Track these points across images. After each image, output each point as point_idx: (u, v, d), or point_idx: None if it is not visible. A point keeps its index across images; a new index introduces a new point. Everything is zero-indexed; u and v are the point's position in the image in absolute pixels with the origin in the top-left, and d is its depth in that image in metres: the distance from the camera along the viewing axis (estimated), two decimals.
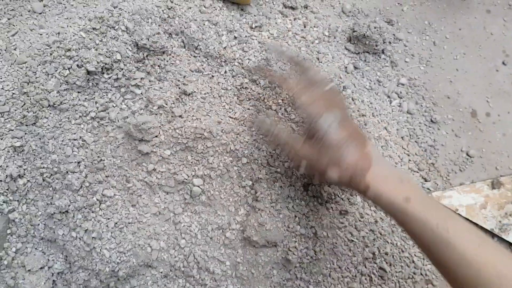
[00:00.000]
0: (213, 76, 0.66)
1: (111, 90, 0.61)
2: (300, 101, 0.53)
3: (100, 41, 0.60)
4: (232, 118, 0.64)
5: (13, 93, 0.63)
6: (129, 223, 0.61)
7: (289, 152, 0.57)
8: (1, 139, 0.62)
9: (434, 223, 0.44)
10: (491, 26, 0.85)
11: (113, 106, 0.61)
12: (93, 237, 0.60)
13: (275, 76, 0.63)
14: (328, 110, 0.52)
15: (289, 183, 0.63)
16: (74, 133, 0.61)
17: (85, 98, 0.61)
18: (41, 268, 0.62)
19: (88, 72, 0.60)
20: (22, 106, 0.62)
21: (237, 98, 0.66)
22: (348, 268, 0.64)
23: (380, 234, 0.66)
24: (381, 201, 0.49)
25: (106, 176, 0.61)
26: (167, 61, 0.63)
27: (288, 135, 0.57)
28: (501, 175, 0.74)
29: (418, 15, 0.85)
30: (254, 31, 0.73)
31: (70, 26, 0.65)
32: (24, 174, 0.62)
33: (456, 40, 0.84)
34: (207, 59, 0.67)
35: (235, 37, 0.70)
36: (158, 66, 0.62)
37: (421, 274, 0.67)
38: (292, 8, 0.80)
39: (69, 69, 0.60)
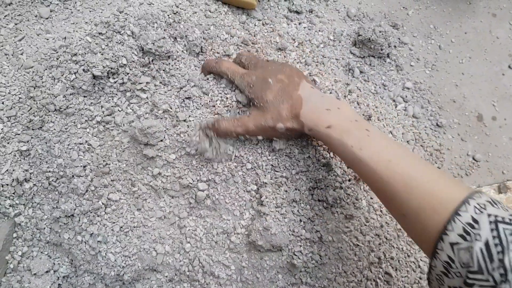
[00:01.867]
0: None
1: (116, 94, 0.62)
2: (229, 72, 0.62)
3: (106, 45, 0.60)
4: None
5: (20, 98, 0.63)
6: (134, 227, 0.61)
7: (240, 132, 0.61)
8: (8, 143, 0.62)
9: (349, 144, 0.51)
10: (497, 30, 0.85)
11: (118, 110, 0.61)
12: (98, 241, 0.60)
13: (210, 63, 0.65)
14: (248, 72, 0.60)
15: (294, 187, 0.63)
16: (80, 137, 0.61)
17: (91, 103, 0.62)
18: (46, 271, 0.62)
19: (94, 77, 0.60)
20: (29, 111, 0.62)
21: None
22: (353, 272, 0.64)
23: (386, 238, 0.66)
24: (312, 132, 0.55)
25: (111, 180, 0.62)
26: (172, 66, 0.63)
27: (233, 118, 0.61)
28: (508, 180, 0.74)
29: (423, 19, 0.85)
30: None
31: (76, 31, 0.66)
32: (30, 178, 0.62)
33: (461, 44, 0.83)
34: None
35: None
36: (163, 70, 0.63)
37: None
38: (297, 12, 0.80)
39: (75, 73, 0.60)
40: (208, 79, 0.64)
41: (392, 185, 0.46)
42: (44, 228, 0.63)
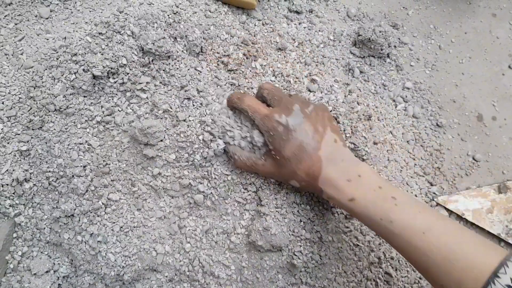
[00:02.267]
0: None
1: (116, 94, 0.62)
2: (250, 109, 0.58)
3: (106, 45, 0.60)
4: None
5: (20, 98, 0.63)
6: (134, 227, 0.61)
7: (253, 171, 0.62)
8: (8, 143, 0.62)
9: (378, 218, 0.49)
10: (497, 30, 0.85)
11: (118, 110, 0.61)
12: (98, 241, 0.60)
13: (232, 99, 0.61)
14: (270, 114, 0.56)
15: (295, 189, 0.63)
16: (80, 137, 0.61)
17: (91, 103, 0.62)
18: (46, 271, 0.62)
19: (94, 77, 0.60)
20: (29, 111, 0.62)
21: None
22: (353, 273, 0.64)
23: None
24: (334, 202, 0.54)
25: (111, 180, 0.62)
26: (172, 66, 0.63)
27: (249, 158, 0.59)
28: (508, 179, 0.74)
29: (423, 19, 0.85)
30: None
31: (76, 31, 0.66)
32: (30, 178, 0.62)
33: (461, 44, 0.83)
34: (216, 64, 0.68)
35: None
36: (163, 70, 0.63)
37: None
38: (297, 12, 0.80)
39: (75, 73, 0.60)
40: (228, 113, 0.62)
41: (430, 257, 0.44)
42: (44, 228, 0.63)
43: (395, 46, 0.80)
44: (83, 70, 0.60)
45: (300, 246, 0.62)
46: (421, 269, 0.47)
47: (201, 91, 0.63)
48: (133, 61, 0.61)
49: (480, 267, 0.41)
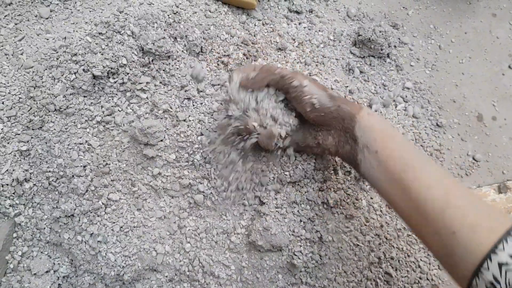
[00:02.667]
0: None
1: (116, 94, 0.62)
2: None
3: (106, 45, 0.60)
4: None
5: (20, 98, 0.63)
6: (134, 227, 0.61)
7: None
8: (8, 143, 0.62)
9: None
10: (497, 30, 0.85)
11: (118, 110, 0.61)
12: (98, 241, 0.60)
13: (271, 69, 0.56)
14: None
15: (295, 189, 0.63)
16: (80, 137, 0.61)
17: (91, 103, 0.62)
18: (46, 271, 0.62)
19: (94, 77, 0.60)
20: (29, 111, 0.62)
21: None
22: (353, 272, 0.64)
23: (386, 238, 0.66)
24: (374, 115, 0.53)
25: (111, 180, 0.62)
26: (172, 66, 0.63)
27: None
28: (508, 179, 0.74)
29: (423, 19, 0.85)
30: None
31: (77, 31, 0.66)
32: (30, 178, 0.62)
33: (461, 44, 0.83)
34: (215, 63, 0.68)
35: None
36: (164, 70, 0.63)
37: (427, 279, 0.66)
38: (297, 12, 0.80)
39: (75, 73, 0.60)
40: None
41: (452, 201, 0.44)
42: (44, 228, 0.63)
43: (395, 46, 0.80)
44: (83, 70, 0.60)
45: (300, 246, 0.62)
46: (428, 217, 0.45)
47: (201, 91, 0.63)
48: (133, 61, 0.61)
49: (497, 216, 0.42)
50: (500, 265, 0.37)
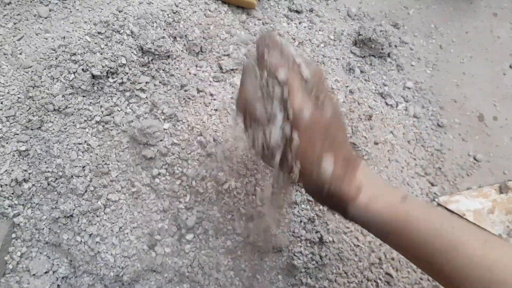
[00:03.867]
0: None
1: (116, 94, 0.61)
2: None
3: (105, 45, 0.60)
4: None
5: (19, 97, 0.63)
6: (133, 227, 0.61)
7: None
8: (7, 143, 0.62)
9: (439, 222, 0.39)
10: (498, 29, 0.85)
11: (118, 110, 0.61)
12: (97, 242, 0.60)
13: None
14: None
15: (295, 189, 0.63)
16: (79, 137, 0.61)
17: (90, 102, 0.61)
18: (45, 272, 0.62)
19: (93, 76, 0.60)
20: (28, 110, 0.62)
21: None
22: (354, 273, 0.64)
23: None
24: (377, 204, 0.41)
25: (110, 181, 0.61)
26: (171, 65, 0.63)
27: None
28: (509, 180, 0.74)
29: (424, 19, 0.84)
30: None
31: (76, 31, 0.65)
32: (29, 178, 0.62)
33: (462, 43, 0.83)
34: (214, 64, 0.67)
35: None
36: (163, 70, 0.62)
37: (428, 279, 0.66)
38: (297, 11, 0.79)
39: (74, 73, 0.60)
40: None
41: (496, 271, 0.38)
42: (43, 228, 0.62)
43: (395, 46, 0.80)
44: (82, 69, 0.59)
45: (301, 246, 0.61)
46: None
47: (201, 91, 0.63)
48: (133, 61, 0.61)
49: None
50: None
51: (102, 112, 0.61)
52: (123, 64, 0.60)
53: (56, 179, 0.61)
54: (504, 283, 0.37)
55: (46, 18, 0.69)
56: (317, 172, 0.40)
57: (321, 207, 0.63)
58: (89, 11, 0.70)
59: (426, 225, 0.40)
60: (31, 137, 0.62)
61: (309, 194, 0.44)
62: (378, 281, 0.64)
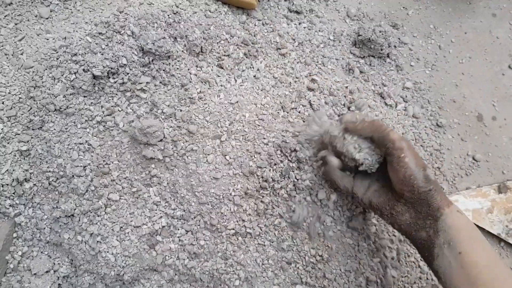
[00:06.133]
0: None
1: (116, 94, 0.62)
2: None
3: (106, 45, 0.60)
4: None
5: (20, 98, 0.63)
6: (134, 227, 0.61)
7: None
8: (8, 143, 0.62)
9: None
10: (497, 30, 0.85)
11: (118, 110, 0.61)
12: (98, 241, 0.60)
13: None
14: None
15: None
16: (80, 137, 0.61)
17: (91, 103, 0.62)
18: (46, 271, 0.62)
19: (94, 77, 0.60)
20: (29, 111, 0.62)
21: None
22: (354, 272, 0.64)
23: (387, 238, 0.66)
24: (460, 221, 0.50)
25: (111, 180, 0.62)
26: (172, 66, 0.63)
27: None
28: (508, 179, 0.74)
29: (423, 19, 0.85)
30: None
31: (77, 31, 0.65)
32: (30, 178, 0.62)
33: (461, 44, 0.83)
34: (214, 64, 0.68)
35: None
36: (163, 70, 0.63)
37: (427, 278, 0.66)
38: (297, 12, 0.80)
39: (75, 73, 0.60)
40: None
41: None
42: (44, 228, 0.63)
43: (395, 46, 0.80)
44: (83, 70, 0.60)
45: (301, 246, 0.62)
46: None
47: (201, 92, 0.63)
48: (133, 61, 0.61)
49: None
50: None
51: (103, 112, 0.61)
52: (124, 64, 0.60)
53: (57, 178, 0.61)
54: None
55: (47, 18, 0.69)
56: (423, 177, 0.51)
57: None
58: (90, 11, 0.70)
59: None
60: (32, 137, 0.62)
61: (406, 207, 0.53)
62: (378, 280, 0.64)
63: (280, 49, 0.74)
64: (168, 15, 0.65)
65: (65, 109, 0.61)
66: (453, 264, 0.48)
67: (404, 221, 0.53)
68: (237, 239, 0.63)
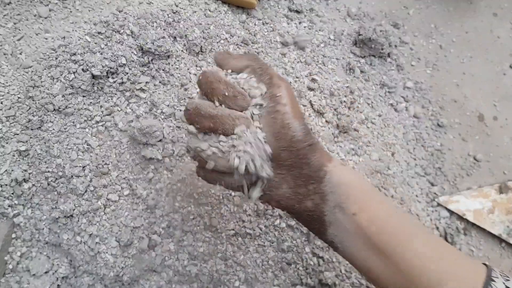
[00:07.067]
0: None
1: (116, 94, 0.61)
2: None
3: (105, 45, 0.60)
4: None
5: (19, 97, 0.63)
6: (134, 227, 0.61)
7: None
8: (7, 143, 0.62)
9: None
10: (498, 29, 0.85)
11: (118, 110, 0.61)
12: (97, 242, 0.60)
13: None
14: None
15: None
16: (79, 137, 0.61)
17: (90, 102, 0.61)
18: (45, 272, 0.62)
19: (93, 76, 0.60)
20: (28, 110, 0.62)
21: None
22: (354, 273, 0.64)
23: None
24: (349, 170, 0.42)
25: (110, 180, 0.61)
26: (171, 65, 0.63)
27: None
28: (509, 180, 0.74)
29: (424, 19, 0.84)
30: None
31: (76, 30, 0.65)
32: (29, 178, 0.62)
33: (462, 43, 0.83)
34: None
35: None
36: (163, 70, 0.62)
37: None
38: (297, 11, 0.79)
39: (74, 73, 0.60)
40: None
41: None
42: (43, 228, 0.62)
43: (395, 46, 0.80)
44: (82, 69, 0.59)
45: (301, 246, 0.61)
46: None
47: None
48: (133, 61, 0.61)
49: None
50: None
51: (102, 112, 0.61)
52: (123, 64, 0.60)
53: (56, 179, 0.61)
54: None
55: (46, 18, 0.69)
56: (302, 128, 0.41)
57: None
58: (89, 11, 0.70)
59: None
60: (31, 137, 0.62)
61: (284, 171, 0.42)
62: None
63: (280, 48, 0.74)
64: (168, 15, 0.65)
65: (64, 109, 0.60)
66: (349, 228, 0.41)
67: (283, 194, 0.42)
68: (237, 239, 0.62)
